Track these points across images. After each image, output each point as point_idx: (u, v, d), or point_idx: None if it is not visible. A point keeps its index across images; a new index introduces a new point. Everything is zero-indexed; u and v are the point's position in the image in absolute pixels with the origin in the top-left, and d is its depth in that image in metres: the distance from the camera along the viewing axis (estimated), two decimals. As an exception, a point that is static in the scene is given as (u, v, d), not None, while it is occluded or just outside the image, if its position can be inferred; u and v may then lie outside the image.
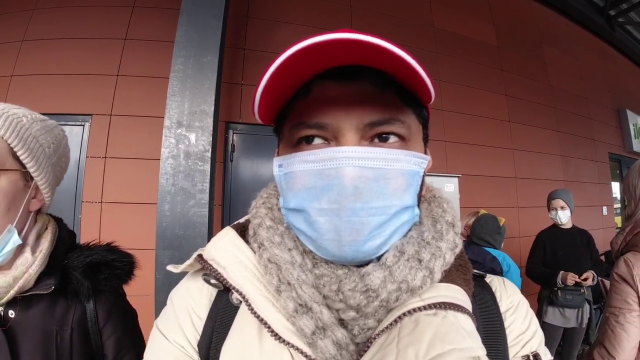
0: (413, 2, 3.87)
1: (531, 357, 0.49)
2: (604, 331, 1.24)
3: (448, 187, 3.46)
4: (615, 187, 5.67)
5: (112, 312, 0.86)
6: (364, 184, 0.40)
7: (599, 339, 1.27)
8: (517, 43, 4.51)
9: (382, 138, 0.44)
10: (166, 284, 1.89)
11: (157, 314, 2.16)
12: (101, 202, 2.67)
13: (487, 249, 2.16)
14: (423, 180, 0.48)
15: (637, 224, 1.28)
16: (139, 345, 0.93)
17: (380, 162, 0.42)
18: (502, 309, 0.52)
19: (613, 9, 5.57)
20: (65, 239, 0.86)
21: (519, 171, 4.15)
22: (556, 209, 2.77)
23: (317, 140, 0.44)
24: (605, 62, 5.80)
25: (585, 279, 2.53)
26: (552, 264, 2.76)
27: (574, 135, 4.85)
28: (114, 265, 0.87)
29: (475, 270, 0.54)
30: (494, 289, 0.55)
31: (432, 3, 3.97)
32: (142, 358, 0.97)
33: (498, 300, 0.53)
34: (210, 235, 2.02)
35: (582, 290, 2.57)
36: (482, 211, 2.36)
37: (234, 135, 2.98)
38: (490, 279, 0.57)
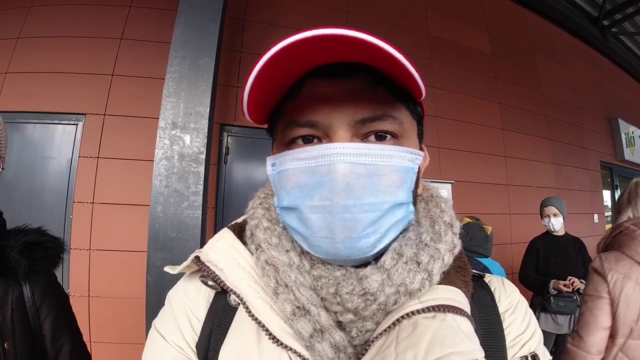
0: (409, 10, 3.89)
1: (529, 358, 0.49)
2: (578, 317, 1.43)
3: (442, 193, 3.44)
4: (607, 195, 5.73)
5: (47, 292, 0.90)
6: (355, 180, 0.40)
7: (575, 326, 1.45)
8: (510, 52, 4.55)
9: (375, 137, 0.44)
10: (158, 286, 1.87)
11: (148, 317, 2.13)
12: (93, 202, 2.64)
13: (478, 259, 2.16)
14: (418, 177, 0.48)
15: (614, 228, 1.48)
16: (74, 326, 0.98)
17: (373, 158, 0.41)
18: (500, 310, 0.52)
19: (606, 19, 5.62)
20: (1, 223, 0.91)
21: (512, 178, 4.18)
22: (549, 216, 2.79)
23: (309, 139, 0.44)
24: (597, 71, 5.87)
25: (573, 283, 2.55)
26: (544, 270, 2.78)
27: (566, 143, 4.89)
28: (47, 245, 0.91)
29: (474, 271, 0.54)
30: (492, 289, 0.55)
31: (428, 11, 4.00)
32: (77, 338, 0.97)
33: (497, 300, 0.53)
34: (204, 237, 2.00)
35: (575, 297, 2.58)
36: (466, 219, 2.30)
37: (229, 137, 2.97)
38: (489, 279, 0.57)
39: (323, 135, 0.43)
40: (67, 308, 0.99)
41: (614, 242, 1.44)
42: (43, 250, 0.89)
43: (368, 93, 0.43)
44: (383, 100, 0.44)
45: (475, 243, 2.19)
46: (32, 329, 0.85)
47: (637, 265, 1.31)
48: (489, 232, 2.23)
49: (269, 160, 0.48)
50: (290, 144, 0.45)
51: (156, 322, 0.53)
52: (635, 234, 1.36)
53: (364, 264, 0.45)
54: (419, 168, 0.47)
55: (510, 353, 0.49)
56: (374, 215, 0.41)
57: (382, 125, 0.43)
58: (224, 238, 0.52)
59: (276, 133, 0.49)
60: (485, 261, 2.14)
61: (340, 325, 0.44)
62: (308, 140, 0.44)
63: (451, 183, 3.54)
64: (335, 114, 0.42)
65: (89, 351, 1.04)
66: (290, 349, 0.42)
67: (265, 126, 0.53)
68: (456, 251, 0.49)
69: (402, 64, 0.38)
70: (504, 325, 0.51)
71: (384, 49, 0.35)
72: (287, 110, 0.46)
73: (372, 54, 0.38)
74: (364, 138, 0.44)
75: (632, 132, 6.07)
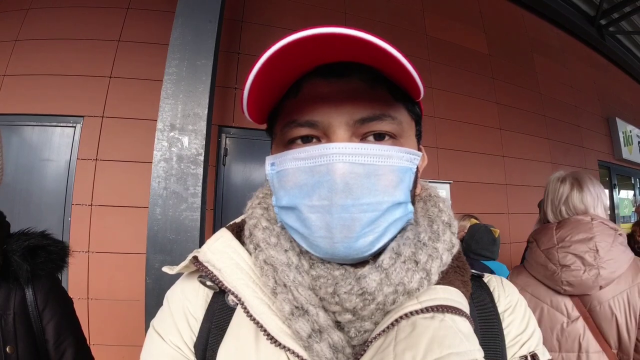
0: (407, 10, 3.90)
1: (529, 358, 0.49)
2: None
3: (440, 193, 3.46)
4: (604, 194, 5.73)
5: (50, 296, 0.89)
6: (354, 180, 0.40)
7: None
8: (508, 52, 4.55)
9: (374, 136, 0.44)
10: (157, 288, 1.87)
11: (147, 319, 2.13)
12: (91, 204, 2.63)
13: (485, 262, 2.15)
14: (416, 177, 0.48)
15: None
16: (77, 331, 0.97)
17: (371, 158, 0.41)
18: (500, 310, 0.52)
19: (604, 19, 5.63)
20: (3, 226, 0.89)
21: (510, 178, 4.18)
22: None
23: (308, 139, 0.44)
24: (595, 70, 5.88)
25: None
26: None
27: (564, 142, 4.90)
28: (50, 249, 0.90)
29: (473, 271, 0.54)
30: (491, 289, 0.55)
31: (425, 11, 4.00)
32: (81, 343, 0.96)
33: (496, 300, 0.53)
34: (202, 239, 2.00)
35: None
36: (473, 221, 2.29)
37: (227, 139, 2.96)
38: (488, 278, 0.57)
39: (322, 135, 0.44)
40: (71, 312, 0.98)
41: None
42: (45, 254, 0.88)
43: (367, 93, 0.43)
44: (382, 100, 0.44)
45: (481, 246, 2.17)
46: (35, 333, 0.85)
47: (531, 278, 1.32)
48: (496, 235, 2.22)
49: (268, 160, 0.48)
50: (289, 144, 0.46)
51: (154, 322, 0.53)
52: (531, 247, 1.38)
53: (363, 263, 0.45)
54: (417, 168, 0.47)
55: (509, 353, 0.49)
56: (372, 214, 0.41)
57: (381, 125, 0.43)
58: (222, 238, 0.52)
59: (275, 132, 0.49)
60: (491, 264, 2.13)
61: (338, 325, 0.44)
62: (307, 140, 0.44)
63: (449, 183, 3.54)
64: (335, 113, 0.42)
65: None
66: (288, 349, 0.42)
67: (264, 127, 0.53)
68: (454, 251, 0.49)
69: (402, 64, 0.38)
70: (503, 325, 0.51)
71: (385, 49, 0.36)
72: (286, 110, 0.46)
73: (373, 54, 0.38)
74: (362, 138, 0.44)
75: (630, 131, 6.08)
